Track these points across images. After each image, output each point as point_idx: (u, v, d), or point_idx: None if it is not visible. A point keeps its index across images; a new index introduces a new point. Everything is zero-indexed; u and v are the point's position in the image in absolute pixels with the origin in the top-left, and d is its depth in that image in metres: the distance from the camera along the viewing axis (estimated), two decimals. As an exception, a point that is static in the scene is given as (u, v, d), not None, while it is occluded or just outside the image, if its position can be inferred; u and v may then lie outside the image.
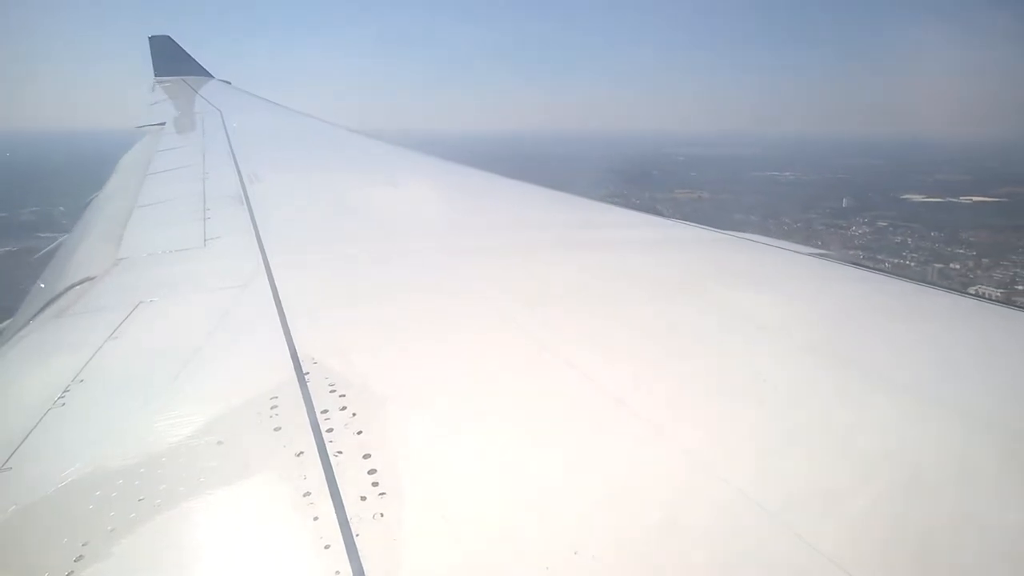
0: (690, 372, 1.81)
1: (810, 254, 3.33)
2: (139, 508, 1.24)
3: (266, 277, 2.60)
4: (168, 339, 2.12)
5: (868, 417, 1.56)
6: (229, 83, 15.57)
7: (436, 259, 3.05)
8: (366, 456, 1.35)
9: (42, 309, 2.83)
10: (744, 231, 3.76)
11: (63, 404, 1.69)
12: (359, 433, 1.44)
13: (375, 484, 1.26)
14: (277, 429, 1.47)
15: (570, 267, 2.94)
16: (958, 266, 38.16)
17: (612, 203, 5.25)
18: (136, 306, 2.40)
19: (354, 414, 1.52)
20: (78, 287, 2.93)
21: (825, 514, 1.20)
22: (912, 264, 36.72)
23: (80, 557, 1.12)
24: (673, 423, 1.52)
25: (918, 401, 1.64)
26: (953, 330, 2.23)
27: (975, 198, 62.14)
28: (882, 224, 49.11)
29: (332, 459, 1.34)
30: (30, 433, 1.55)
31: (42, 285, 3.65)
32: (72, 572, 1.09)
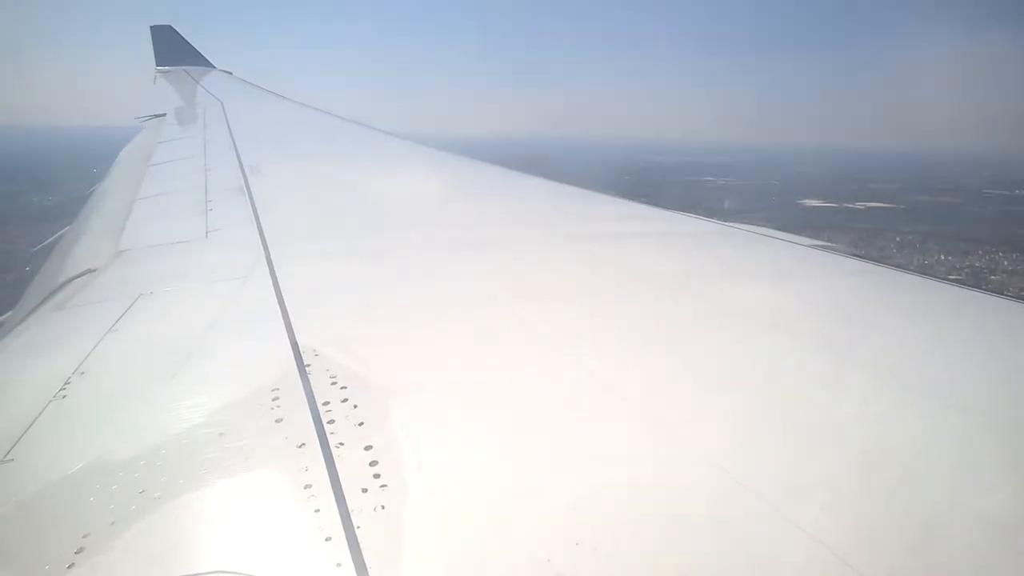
0: (692, 366, 1.81)
1: (812, 246, 3.31)
2: (140, 500, 1.23)
3: (267, 269, 2.60)
4: (169, 331, 2.11)
5: (873, 411, 1.55)
6: (230, 73, 15.48)
7: (438, 251, 3.04)
8: (367, 448, 1.35)
9: (43, 301, 2.83)
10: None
11: (64, 396, 1.69)
12: (360, 425, 1.44)
13: (376, 476, 1.26)
14: (278, 421, 1.46)
15: (573, 260, 2.93)
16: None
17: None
18: (137, 298, 2.40)
19: (355, 406, 1.52)
20: (79, 279, 2.93)
21: (827, 507, 1.19)
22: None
23: (81, 549, 1.12)
24: (675, 416, 1.52)
25: (922, 394, 1.63)
26: (958, 323, 2.22)
27: (871, 204, 69.21)
28: (730, 225, 53.37)
29: (334, 451, 1.34)
30: (31, 425, 1.55)
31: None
32: (73, 564, 1.09)
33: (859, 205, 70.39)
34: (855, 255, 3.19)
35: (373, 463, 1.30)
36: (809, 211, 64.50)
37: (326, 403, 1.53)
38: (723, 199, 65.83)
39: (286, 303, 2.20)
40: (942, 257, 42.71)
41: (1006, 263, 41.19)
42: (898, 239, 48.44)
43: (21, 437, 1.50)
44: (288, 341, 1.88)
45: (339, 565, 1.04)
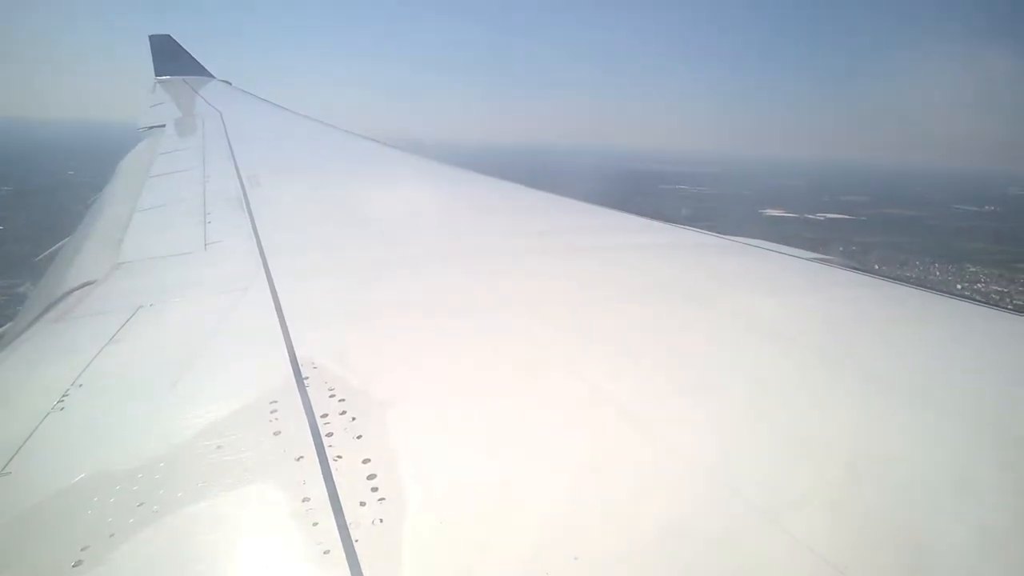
0: (692, 378, 1.81)
1: (812, 259, 3.33)
2: (138, 513, 1.24)
3: (266, 281, 2.60)
4: (168, 343, 2.12)
5: (874, 424, 1.56)
6: (229, 83, 15.55)
7: (438, 264, 3.05)
8: (366, 461, 1.35)
9: (42, 313, 2.83)
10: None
11: (62, 408, 1.69)
12: (359, 438, 1.44)
13: (374, 489, 1.26)
14: (276, 434, 1.47)
15: (572, 272, 2.93)
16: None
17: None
18: (136, 310, 2.40)
19: (354, 419, 1.52)
20: (78, 291, 2.94)
21: (828, 520, 1.20)
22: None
23: (79, 562, 1.13)
24: (676, 428, 1.52)
25: (918, 406, 1.64)
26: (954, 335, 2.23)
27: (830, 215, 74.66)
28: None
29: (331, 464, 1.34)
30: (29, 437, 1.55)
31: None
32: None
33: (819, 216, 72.96)
34: (855, 268, 3.21)
35: (371, 476, 1.30)
36: (767, 220, 66.47)
37: (324, 416, 1.54)
38: (687, 207, 68.01)
39: (285, 315, 2.21)
40: (877, 267, 44.92)
41: (937, 273, 44.11)
42: (841, 249, 50.52)
43: (19, 449, 1.50)
44: (287, 353, 1.89)
45: None
